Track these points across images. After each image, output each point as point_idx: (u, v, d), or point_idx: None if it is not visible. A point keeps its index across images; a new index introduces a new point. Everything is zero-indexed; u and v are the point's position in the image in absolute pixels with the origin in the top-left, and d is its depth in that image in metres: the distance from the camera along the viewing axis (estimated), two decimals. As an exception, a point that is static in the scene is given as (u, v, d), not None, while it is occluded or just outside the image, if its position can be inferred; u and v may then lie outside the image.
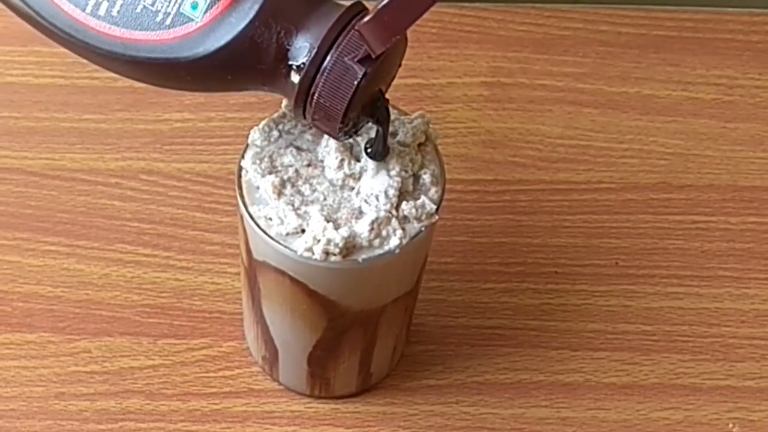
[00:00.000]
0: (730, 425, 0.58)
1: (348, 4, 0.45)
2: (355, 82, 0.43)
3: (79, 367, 0.58)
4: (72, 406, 0.57)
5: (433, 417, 0.58)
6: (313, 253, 0.47)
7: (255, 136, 0.50)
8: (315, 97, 0.44)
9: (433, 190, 0.49)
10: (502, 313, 0.61)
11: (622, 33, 0.71)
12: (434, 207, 0.48)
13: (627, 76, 0.69)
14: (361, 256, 0.48)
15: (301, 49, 0.44)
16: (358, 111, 0.45)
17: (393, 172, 0.48)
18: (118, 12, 0.44)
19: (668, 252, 0.63)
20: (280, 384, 0.58)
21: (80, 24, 0.45)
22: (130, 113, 0.66)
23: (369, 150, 0.48)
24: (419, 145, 0.50)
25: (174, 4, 0.44)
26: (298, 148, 0.49)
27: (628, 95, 0.68)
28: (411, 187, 0.49)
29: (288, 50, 0.44)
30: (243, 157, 0.49)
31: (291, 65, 0.44)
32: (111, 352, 0.59)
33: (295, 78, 0.44)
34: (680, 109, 0.68)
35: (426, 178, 0.49)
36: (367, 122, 0.47)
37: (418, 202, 0.48)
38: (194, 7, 0.44)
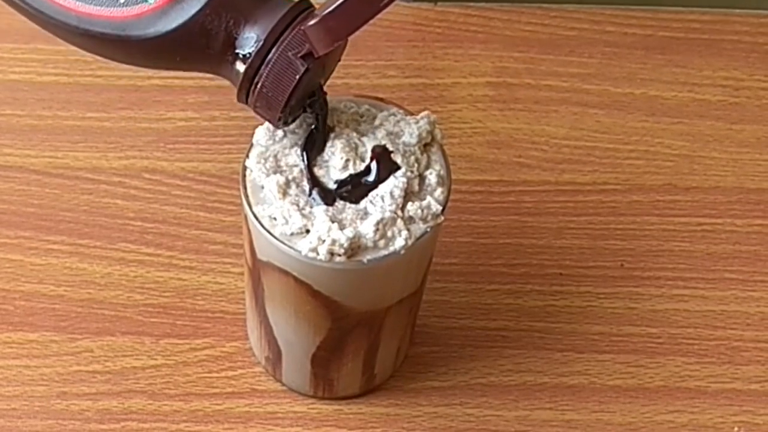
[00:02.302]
0: (736, 428, 0.58)
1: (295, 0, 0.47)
2: (297, 77, 0.46)
3: (82, 366, 0.58)
4: (74, 406, 0.57)
5: (437, 419, 0.58)
6: (318, 254, 0.47)
7: (260, 135, 0.49)
8: (258, 87, 0.46)
9: (438, 190, 0.49)
10: (507, 314, 0.61)
11: (628, 34, 0.71)
12: (440, 208, 0.48)
13: (633, 77, 0.69)
14: (366, 257, 0.47)
15: (248, 39, 0.46)
16: (297, 102, 0.47)
17: (398, 173, 0.48)
18: None
19: (674, 254, 0.63)
20: (283, 385, 0.58)
21: None
22: (134, 112, 0.66)
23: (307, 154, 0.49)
24: (425, 145, 0.50)
25: None
26: (303, 148, 0.49)
27: (634, 96, 0.68)
28: (416, 188, 0.48)
29: (236, 39, 0.46)
30: (248, 156, 0.49)
31: (237, 54, 0.46)
32: (113, 352, 0.59)
33: (240, 67, 0.46)
34: (686, 110, 0.68)
35: (431, 178, 0.49)
36: (304, 112, 0.49)
37: (424, 202, 0.48)
38: None
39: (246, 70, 0.46)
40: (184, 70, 0.49)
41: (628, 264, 0.63)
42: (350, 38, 0.46)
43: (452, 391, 0.59)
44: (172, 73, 0.67)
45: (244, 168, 0.49)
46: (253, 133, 0.50)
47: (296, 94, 0.46)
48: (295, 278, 0.49)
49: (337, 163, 0.48)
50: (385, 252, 0.47)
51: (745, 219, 0.64)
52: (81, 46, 0.48)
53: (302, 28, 0.45)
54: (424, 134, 0.50)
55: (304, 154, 0.49)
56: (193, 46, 0.46)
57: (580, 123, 0.67)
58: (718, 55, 0.70)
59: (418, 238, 0.48)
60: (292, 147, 0.49)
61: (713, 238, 0.64)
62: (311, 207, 0.48)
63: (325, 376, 0.56)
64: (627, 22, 0.71)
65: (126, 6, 0.46)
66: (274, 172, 0.48)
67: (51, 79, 0.67)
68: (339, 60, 0.49)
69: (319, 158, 0.49)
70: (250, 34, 0.46)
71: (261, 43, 0.46)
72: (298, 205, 0.48)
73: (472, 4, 0.71)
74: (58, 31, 0.47)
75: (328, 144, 0.49)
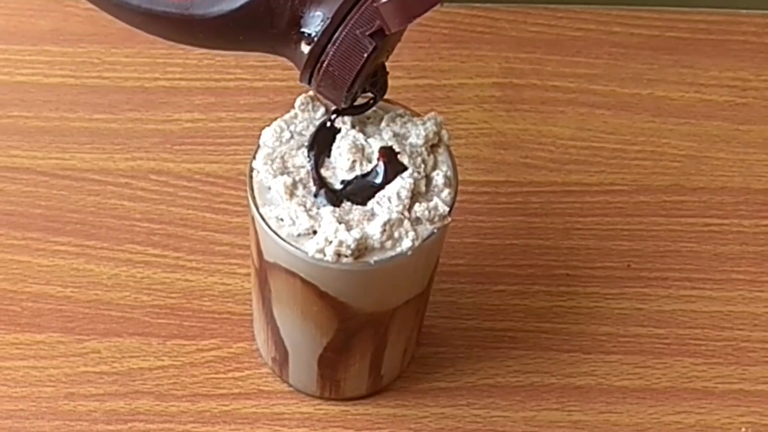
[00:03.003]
0: (743, 429, 0.58)
1: None
2: (365, 55, 0.45)
3: (89, 367, 0.58)
4: (81, 407, 0.57)
5: (444, 419, 0.58)
6: (325, 255, 0.47)
7: (267, 136, 0.49)
8: (324, 66, 0.46)
9: (445, 191, 0.49)
10: (514, 315, 0.61)
11: (635, 34, 0.70)
12: (447, 209, 0.48)
13: (640, 78, 0.69)
14: (373, 258, 0.47)
15: (315, 18, 0.45)
16: (361, 82, 0.46)
17: (405, 174, 0.48)
18: None
19: (681, 255, 0.63)
20: (290, 385, 0.58)
21: None
22: (140, 113, 0.66)
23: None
24: (432, 146, 0.50)
25: None
26: (310, 149, 0.49)
27: (641, 97, 0.68)
28: (423, 189, 0.48)
29: (301, 18, 0.45)
30: (254, 157, 0.49)
31: (303, 32, 0.46)
32: (120, 353, 0.59)
33: (305, 47, 0.46)
34: (693, 111, 0.68)
35: (438, 179, 0.49)
36: (366, 91, 0.48)
37: (431, 203, 0.48)
38: None
39: (312, 49, 0.45)
40: (245, 50, 0.48)
41: (636, 265, 0.62)
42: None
43: (459, 391, 0.59)
44: (178, 75, 0.67)
45: (251, 169, 0.49)
46: (259, 135, 0.50)
47: (363, 73, 0.46)
48: (302, 279, 0.49)
49: (343, 164, 0.48)
50: (392, 253, 0.47)
51: (753, 219, 0.64)
52: (141, 27, 0.47)
53: (375, 4, 0.44)
54: (430, 135, 0.50)
55: (311, 155, 0.49)
56: (257, 26, 0.46)
57: (586, 124, 0.67)
58: (725, 55, 0.70)
59: (425, 239, 0.48)
60: (299, 148, 0.49)
61: (720, 238, 0.63)
62: (318, 208, 0.48)
63: (331, 377, 0.56)
64: (634, 23, 0.71)
65: None
66: (281, 173, 0.48)
67: (58, 81, 0.67)
68: (400, 39, 0.48)
69: (326, 159, 0.49)
70: (316, 13, 0.45)
71: (328, 21, 0.45)
72: (305, 206, 0.48)
73: (478, 4, 0.71)
74: (118, 11, 0.47)
75: (335, 145, 0.49)
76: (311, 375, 0.56)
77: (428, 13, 0.71)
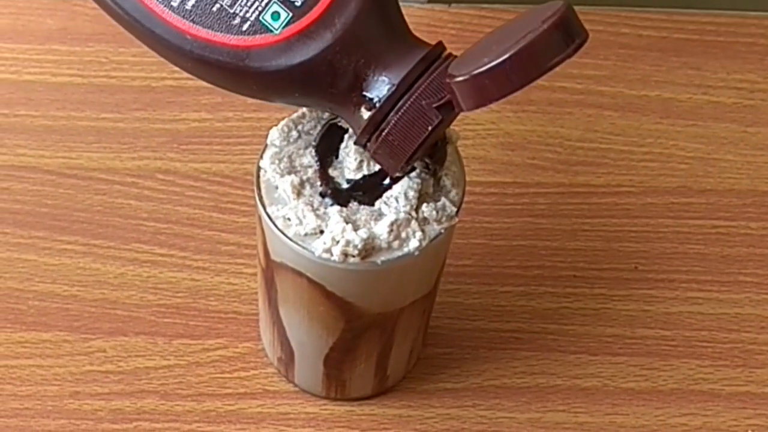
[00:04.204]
0: (749, 431, 0.58)
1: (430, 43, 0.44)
2: (429, 128, 0.43)
3: (95, 366, 0.58)
4: (87, 406, 0.57)
5: (449, 420, 0.58)
6: (332, 255, 0.47)
7: (274, 136, 0.49)
8: (384, 134, 0.43)
9: (453, 192, 0.49)
10: (520, 316, 0.61)
11: (643, 36, 0.70)
12: (454, 209, 0.48)
13: (647, 80, 0.69)
14: (380, 258, 0.47)
15: (379, 83, 0.43)
16: (421, 153, 0.44)
17: (413, 174, 0.48)
18: (193, 6, 0.43)
19: (688, 257, 0.63)
20: (296, 385, 0.58)
21: (150, 11, 0.43)
22: (147, 112, 0.66)
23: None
24: (440, 146, 0.50)
25: (254, 11, 0.43)
26: (317, 149, 0.49)
27: (649, 98, 0.68)
28: (431, 189, 0.48)
29: (364, 81, 0.43)
30: (262, 157, 0.49)
31: (364, 96, 0.43)
32: (126, 352, 0.59)
33: (365, 112, 0.43)
34: (701, 112, 0.68)
35: (446, 179, 0.49)
36: (424, 162, 0.46)
37: (439, 203, 0.48)
38: (275, 17, 0.43)
39: (373, 115, 0.43)
40: (301, 105, 0.46)
41: (642, 266, 0.62)
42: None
43: (465, 392, 0.58)
44: (185, 74, 0.67)
45: (258, 168, 0.49)
46: (267, 134, 0.50)
47: (425, 145, 0.43)
48: (309, 279, 0.49)
49: (351, 163, 0.48)
50: (399, 253, 0.47)
51: (760, 222, 0.64)
52: (193, 73, 0.45)
53: (449, 81, 0.41)
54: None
55: (318, 154, 0.48)
56: (316, 84, 0.43)
57: (594, 125, 0.67)
58: (733, 57, 0.70)
59: (432, 240, 0.48)
60: (306, 148, 0.49)
61: (728, 240, 0.63)
62: (325, 208, 0.48)
63: (337, 377, 0.56)
64: (642, 24, 0.71)
65: (248, 34, 0.43)
66: (289, 173, 0.48)
67: (65, 80, 0.67)
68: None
69: (333, 159, 0.49)
70: (381, 78, 0.43)
71: (393, 88, 0.43)
72: (312, 206, 0.48)
73: (485, 5, 0.71)
74: (168, 54, 0.44)
75: (342, 145, 0.49)
76: (317, 375, 0.56)
77: (435, 14, 0.71)
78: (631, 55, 0.70)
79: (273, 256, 0.50)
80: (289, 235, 0.48)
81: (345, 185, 0.48)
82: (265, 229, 0.49)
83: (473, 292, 0.61)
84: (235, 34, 0.43)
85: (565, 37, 0.39)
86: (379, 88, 0.43)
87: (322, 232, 0.47)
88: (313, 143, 0.49)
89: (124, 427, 0.57)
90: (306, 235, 0.47)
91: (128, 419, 0.57)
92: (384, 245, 0.47)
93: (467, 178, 0.50)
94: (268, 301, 0.54)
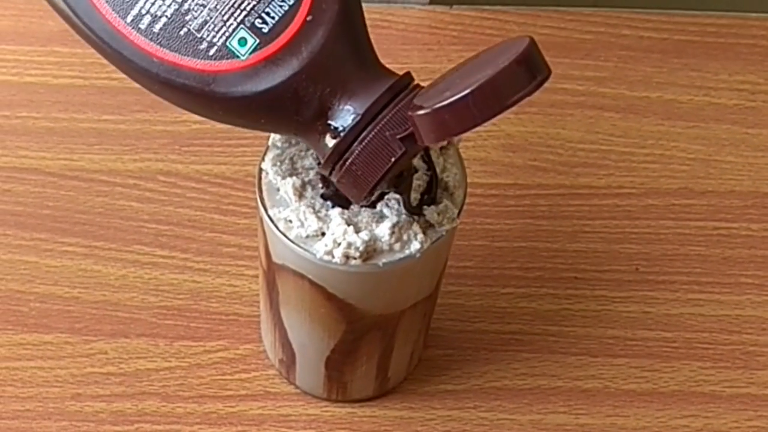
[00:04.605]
0: (751, 434, 0.58)
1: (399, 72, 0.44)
2: (393, 159, 0.43)
3: (96, 368, 0.58)
4: (88, 408, 0.57)
5: (451, 422, 0.58)
6: (333, 257, 0.47)
7: (276, 137, 0.49)
8: (347, 164, 0.43)
9: (455, 193, 0.49)
10: (521, 318, 0.61)
11: (644, 37, 0.70)
12: (456, 211, 0.48)
13: (649, 81, 0.69)
14: (382, 260, 0.47)
15: (344, 112, 0.43)
16: (385, 184, 0.44)
17: (414, 176, 0.48)
18: (161, 30, 0.43)
19: (689, 258, 0.63)
20: (297, 387, 0.58)
21: (118, 33, 0.43)
22: (149, 114, 0.66)
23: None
24: (441, 148, 0.50)
25: (221, 36, 0.43)
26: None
27: (650, 100, 0.68)
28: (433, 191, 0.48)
29: (329, 109, 0.43)
30: (263, 159, 0.49)
31: (329, 125, 0.43)
32: (127, 354, 0.59)
33: (330, 140, 0.43)
34: (702, 114, 0.68)
35: (448, 181, 0.49)
36: (389, 192, 0.46)
37: (440, 206, 0.48)
38: (242, 43, 0.43)
39: (338, 144, 0.43)
40: (265, 131, 0.46)
41: (644, 268, 0.62)
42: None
43: (466, 394, 0.58)
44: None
45: (260, 170, 0.49)
46: (268, 136, 0.50)
47: (387, 176, 0.43)
48: (310, 281, 0.49)
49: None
50: (400, 255, 0.47)
51: (761, 223, 0.64)
52: (160, 95, 0.45)
53: (410, 113, 0.41)
54: (439, 137, 0.49)
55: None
56: (281, 111, 0.43)
57: (595, 126, 0.67)
58: (735, 58, 0.70)
59: (433, 242, 0.48)
60: (308, 150, 0.49)
61: (729, 242, 0.63)
62: (327, 210, 0.48)
63: (338, 379, 0.56)
64: (643, 26, 0.71)
65: (215, 59, 0.43)
66: (290, 175, 0.48)
67: (67, 82, 0.67)
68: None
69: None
70: (346, 107, 0.43)
71: (358, 117, 0.42)
72: (313, 208, 0.48)
73: (487, 7, 0.71)
74: (136, 76, 0.44)
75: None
76: (318, 377, 0.56)
77: (437, 16, 0.71)
78: (632, 56, 0.70)
79: (274, 258, 0.50)
80: (291, 237, 0.48)
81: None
82: (266, 231, 0.49)
83: (474, 294, 0.61)
84: (201, 59, 0.43)
85: (527, 73, 0.39)
86: (344, 118, 0.43)
87: (323, 234, 0.47)
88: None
89: (126, 428, 0.57)
90: (307, 237, 0.47)
91: (129, 421, 0.57)
92: (385, 247, 0.47)
93: (468, 180, 0.50)
94: (269, 303, 0.54)
